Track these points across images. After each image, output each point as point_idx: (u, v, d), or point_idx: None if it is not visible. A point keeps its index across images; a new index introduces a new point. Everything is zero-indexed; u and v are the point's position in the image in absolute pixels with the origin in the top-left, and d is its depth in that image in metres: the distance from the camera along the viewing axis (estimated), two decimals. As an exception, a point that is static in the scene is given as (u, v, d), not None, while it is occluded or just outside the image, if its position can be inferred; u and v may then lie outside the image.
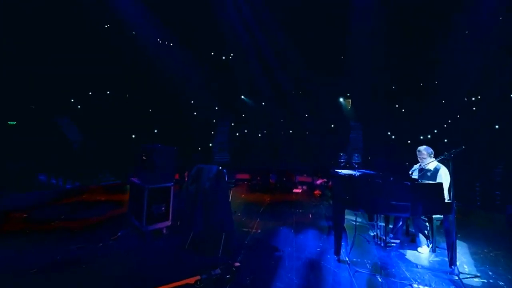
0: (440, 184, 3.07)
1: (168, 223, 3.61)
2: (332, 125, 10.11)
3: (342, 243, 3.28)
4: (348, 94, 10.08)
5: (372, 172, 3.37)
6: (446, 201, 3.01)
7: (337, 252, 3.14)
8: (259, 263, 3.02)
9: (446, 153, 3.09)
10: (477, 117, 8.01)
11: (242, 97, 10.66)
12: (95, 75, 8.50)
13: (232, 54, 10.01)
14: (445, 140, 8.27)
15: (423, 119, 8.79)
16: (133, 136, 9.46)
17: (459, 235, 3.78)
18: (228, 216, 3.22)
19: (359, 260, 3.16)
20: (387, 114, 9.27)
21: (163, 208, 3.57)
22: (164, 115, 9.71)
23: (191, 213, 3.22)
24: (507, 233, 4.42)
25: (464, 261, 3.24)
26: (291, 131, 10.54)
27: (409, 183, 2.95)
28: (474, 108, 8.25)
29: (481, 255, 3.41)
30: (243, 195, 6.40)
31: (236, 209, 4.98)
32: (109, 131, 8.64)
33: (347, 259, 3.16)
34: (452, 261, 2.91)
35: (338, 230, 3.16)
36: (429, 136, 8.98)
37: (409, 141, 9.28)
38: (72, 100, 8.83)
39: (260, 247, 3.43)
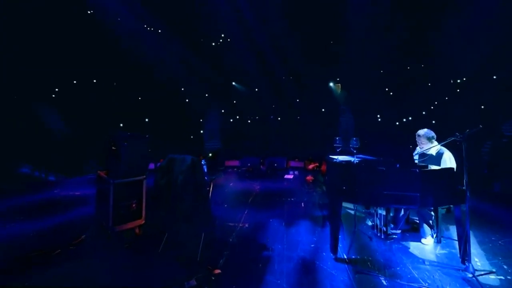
0: (452, 170, 2.44)
1: (141, 221, 2.92)
2: (323, 109, 9.45)
3: (339, 236, 2.66)
4: (338, 79, 9.38)
5: (372, 157, 2.70)
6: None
7: (334, 251, 2.54)
8: (244, 267, 2.39)
9: (457, 133, 2.43)
10: (464, 99, 7.60)
11: (233, 83, 9.77)
12: (80, 64, 7.41)
13: (222, 38, 8.98)
14: (433, 122, 7.79)
15: (411, 102, 8.31)
16: (121, 125, 8.56)
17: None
18: (206, 214, 2.53)
19: (358, 257, 2.57)
20: (377, 98, 8.67)
21: (134, 205, 2.86)
22: (154, 103, 8.81)
23: (164, 212, 2.52)
24: (503, 214, 3.92)
25: (474, 253, 2.68)
26: (282, 117, 9.85)
27: (417, 170, 2.29)
28: (458, 90, 7.84)
29: (490, 245, 2.88)
30: (231, 184, 5.72)
31: (223, 200, 4.32)
32: (96, 120, 7.71)
33: (345, 256, 2.57)
34: (466, 256, 2.34)
35: (334, 226, 2.53)
36: (410, 118, 8.56)
37: (397, 123, 8.82)
38: (57, 89, 7.78)
39: (246, 245, 2.80)
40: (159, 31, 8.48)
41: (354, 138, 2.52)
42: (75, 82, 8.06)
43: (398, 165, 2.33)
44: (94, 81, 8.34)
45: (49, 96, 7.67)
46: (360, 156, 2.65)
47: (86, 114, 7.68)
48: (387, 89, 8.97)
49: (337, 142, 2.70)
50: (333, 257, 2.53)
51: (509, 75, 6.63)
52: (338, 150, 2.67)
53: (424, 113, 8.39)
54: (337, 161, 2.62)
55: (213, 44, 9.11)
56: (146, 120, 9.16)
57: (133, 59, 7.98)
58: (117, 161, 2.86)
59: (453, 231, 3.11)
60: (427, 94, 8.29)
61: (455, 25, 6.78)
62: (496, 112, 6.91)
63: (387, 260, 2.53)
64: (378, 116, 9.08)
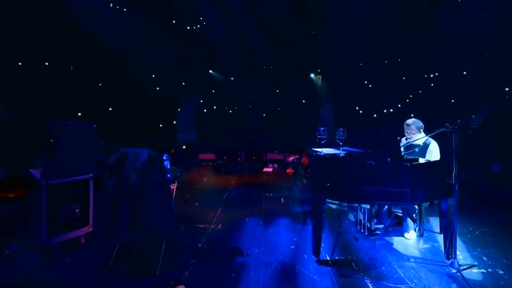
0: (442, 162, 2.30)
1: (88, 229, 2.42)
2: (303, 101, 9.31)
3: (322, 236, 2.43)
4: (319, 70, 9.27)
5: (359, 150, 2.47)
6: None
7: (316, 252, 2.32)
8: (215, 278, 2.07)
9: (448, 124, 2.28)
10: (435, 93, 7.95)
11: (210, 71, 9.13)
12: (28, 43, 6.19)
13: (199, 21, 8.24)
14: (412, 115, 8.10)
15: (388, 94, 8.53)
16: (79, 114, 7.54)
17: (435, 212, 3.24)
18: (168, 218, 2.13)
19: (342, 258, 2.38)
20: (356, 90, 8.75)
21: (77, 210, 2.34)
22: (119, 90, 7.85)
23: (112, 217, 2.06)
24: (476, 204, 4.06)
25: (455, 246, 2.63)
26: (261, 107, 9.56)
27: (408, 164, 2.11)
28: (432, 84, 8.19)
29: (468, 235, 2.88)
30: (205, 179, 5.29)
31: (194, 198, 3.91)
32: (49, 109, 6.62)
33: (328, 258, 2.36)
34: (451, 252, 2.24)
35: (317, 226, 2.30)
36: (391, 110, 8.86)
37: (375, 115, 9.02)
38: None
39: (217, 251, 2.47)
40: (124, 9, 7.48)
41: (341, 129, 2.25)
42: (20, 63, 6.81)
43: (389, 159, 2.11)
44: (46, 64, 7.14)
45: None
46: (346, 148, 2.41)
47: (36, 102, 6.56)
48: (366, 82, 9.09)
49: (321, 133, 2.41)
50: (315, 259, 2.31)
51: (478, 70, 7.00)
52: (322, 142, 2.38)
53: (400, 106, 8.69)
54: (321, 154, 2.35)
55: (188, 27, 8.33)
56: (110, 109, 8.20)
57: (95, 39, 6.94)
58: (52, 156, 2.30)
59: (433, 223, 3.09)
60: (403, 88, 8.58)
61: (432, 22, 6.95)
62: (464, 105, 7.32)
63: (372, 259, 2.37)
64: (357, 108, 9.20)
